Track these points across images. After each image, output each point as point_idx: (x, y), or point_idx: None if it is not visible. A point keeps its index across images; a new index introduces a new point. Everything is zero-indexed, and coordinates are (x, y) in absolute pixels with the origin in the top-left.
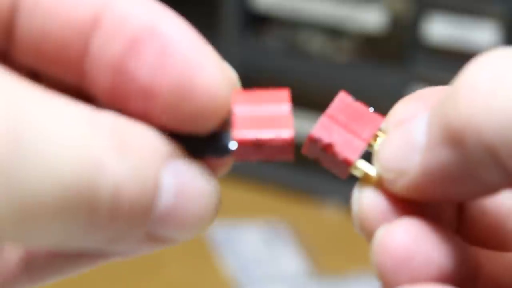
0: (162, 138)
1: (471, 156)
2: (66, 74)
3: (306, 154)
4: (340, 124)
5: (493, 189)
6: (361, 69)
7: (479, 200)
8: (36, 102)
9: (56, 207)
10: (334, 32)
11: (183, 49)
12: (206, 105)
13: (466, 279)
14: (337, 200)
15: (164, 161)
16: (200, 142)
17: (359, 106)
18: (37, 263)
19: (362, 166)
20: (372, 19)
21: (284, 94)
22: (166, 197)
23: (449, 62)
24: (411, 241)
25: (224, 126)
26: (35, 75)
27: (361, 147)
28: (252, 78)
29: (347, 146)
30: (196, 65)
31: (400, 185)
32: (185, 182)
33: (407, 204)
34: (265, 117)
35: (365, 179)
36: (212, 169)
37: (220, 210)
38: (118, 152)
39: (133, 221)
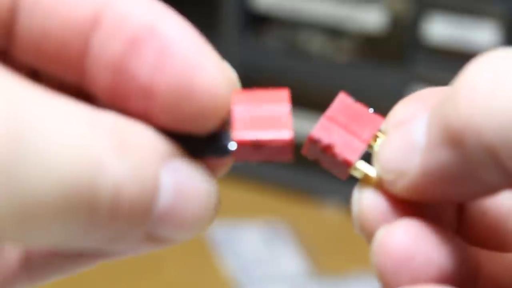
0: (162, 138)
1: (471, 156)
2: (66, 73)
3: (306, 155)
4: (340, 125)
5: (493, 189)
6: (361, 69)
7: (479, 201)
8: (36, 101)
9: (56, 207)
10: (334, 32)
11: (183, 48)
12: (206, 105)
13: (466, 279)
14: (337, 200)
15: (163, 161)
16: (200, 142)
17: (359, 107)
18: (37, 263)
19: (362, 167)
20: (372, 19)
21: (283, 94)
22: (165, 196)
23: (449, 62)
24: (411, 242)
25: (224, 126)
26: (35, 74)
27: (361, 148)
28: (252, 78)
29: (347, 147)
30: (196, 65)
31: (400, 186)
32: (184, 182)
33: (407, 205)
34: (264, 117)
35: (365, 180)
36: (212, 169)
37: (220, 210)
38: (118, 152)
39: (133, 220)
